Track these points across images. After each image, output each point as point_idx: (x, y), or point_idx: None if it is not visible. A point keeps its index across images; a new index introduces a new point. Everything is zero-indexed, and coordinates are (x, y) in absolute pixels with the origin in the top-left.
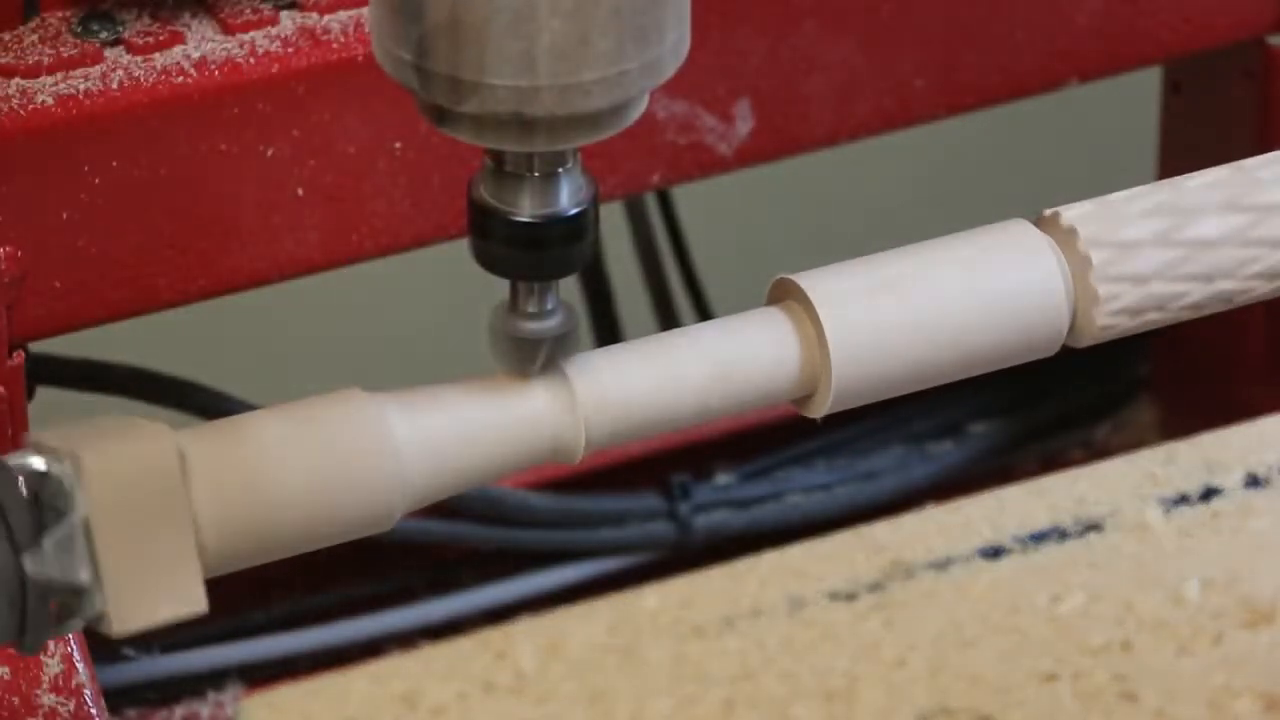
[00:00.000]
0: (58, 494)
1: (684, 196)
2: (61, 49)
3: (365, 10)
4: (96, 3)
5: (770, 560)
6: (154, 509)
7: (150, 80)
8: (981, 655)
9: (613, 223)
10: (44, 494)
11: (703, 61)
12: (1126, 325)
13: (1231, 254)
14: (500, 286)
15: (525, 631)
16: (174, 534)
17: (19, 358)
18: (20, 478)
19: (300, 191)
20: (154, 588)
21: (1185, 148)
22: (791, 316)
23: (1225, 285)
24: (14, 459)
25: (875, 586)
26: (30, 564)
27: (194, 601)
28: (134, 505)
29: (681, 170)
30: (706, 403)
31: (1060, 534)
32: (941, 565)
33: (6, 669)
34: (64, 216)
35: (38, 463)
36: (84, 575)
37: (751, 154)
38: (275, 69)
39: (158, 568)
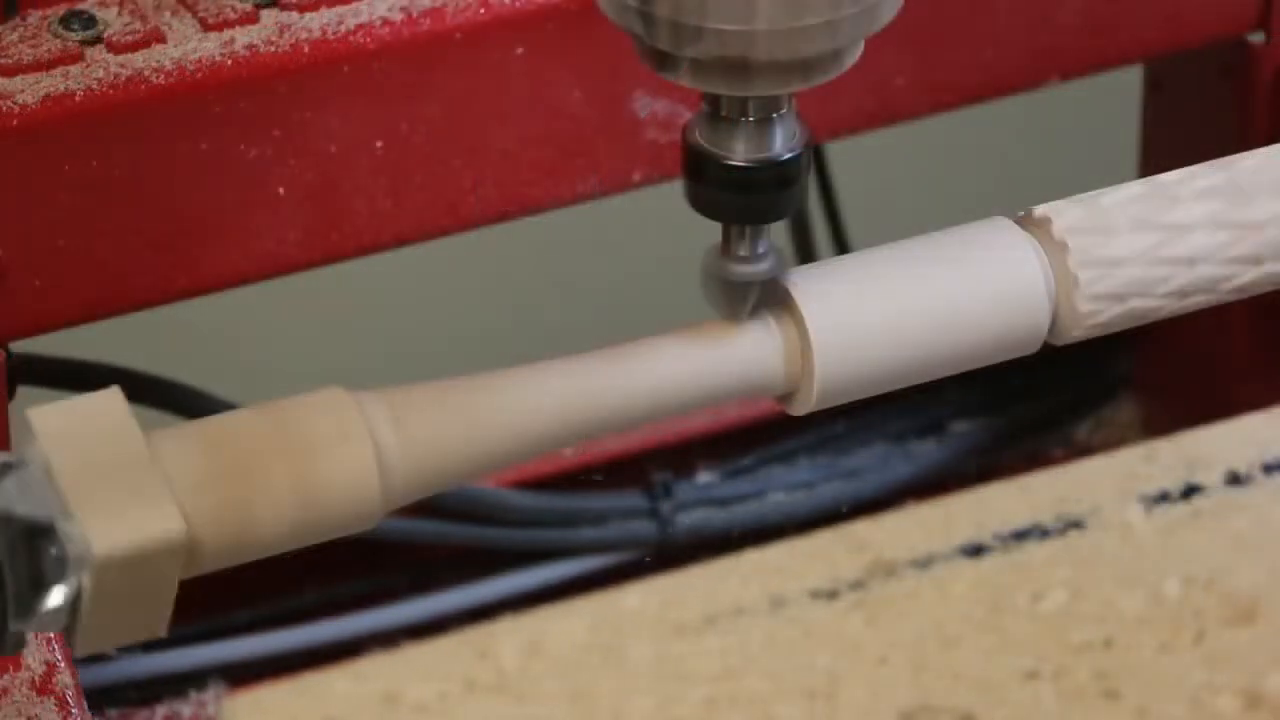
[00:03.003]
0: (58, 555)
1: (675, 195)
2: (41, 48)
3: (345, 10)
4: (76, 1)
5: (752, 559)
6: (148, 585)
7: (130, 79)
8: (963, 653)
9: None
10: (43, 544)
11: None
12: (1110, 316)
13: (1211, 237)
14: (486, 286)
15: (507, 630)
16: (160, 596)
17: (0, 357)
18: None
19: (281, 190)
20: (123, 626)
21: (1167, 146)
22: (775, 313)
23: (1207, 270)
24: (22, 500)
25: (857, 585)
26: (14, 623)
27: (156, 632)
28: (130, 585)
29: (663, 168)
30: (690, 399)
31: (1042, 532)
32: (923, 563)
33: None
34: (44, 216)
35: (46, 514)
36: (64, 628)
37: None
38: (256, 68)
39: (134, 617)
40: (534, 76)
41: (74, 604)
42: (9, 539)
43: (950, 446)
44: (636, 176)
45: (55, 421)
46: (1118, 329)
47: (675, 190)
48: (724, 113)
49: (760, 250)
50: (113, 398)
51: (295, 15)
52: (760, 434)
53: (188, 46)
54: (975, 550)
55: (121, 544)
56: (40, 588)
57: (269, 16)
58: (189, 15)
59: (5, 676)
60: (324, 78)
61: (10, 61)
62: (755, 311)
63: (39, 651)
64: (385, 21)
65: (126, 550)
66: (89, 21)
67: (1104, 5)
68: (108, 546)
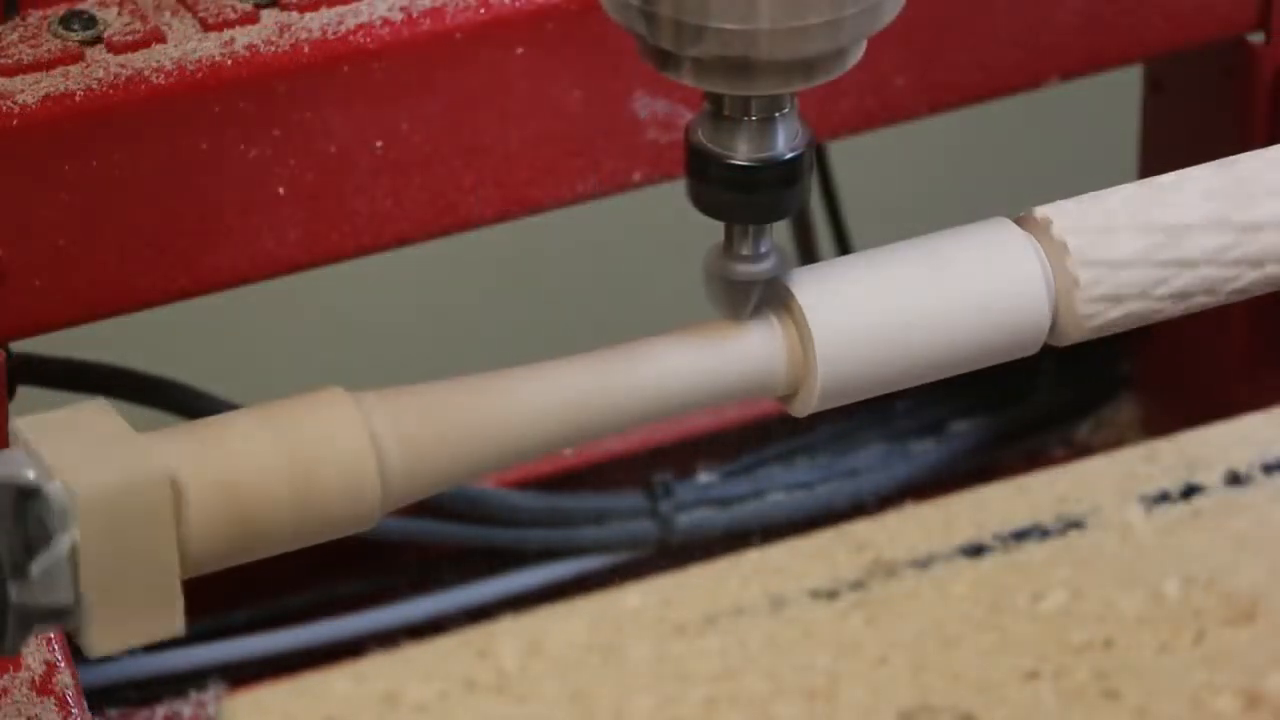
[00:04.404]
0: (46, 513)
1: (675, 195)
2: (41, 48)
3: (345, 10)
4: (76, 1)
5: (752, 559)
6: (142, 540)
7: (130, 79)
8: (963, 653)
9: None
10: (31, 509)
11: None
12: (1110, 317)
13: (1211, 239)
14: (486, 286)
15: (507, 630)
16: (159, 563)
17: (0, 357)
18: (6, 490)
19: (281, 190)
20: (134, 613)
21: (1167, 147)
22: (776, 314)
23: (1207, 272)
24: (3, 468)
25: (857, 585)
26: (15, 591)
27: (172, 626)
28: (123, 536)
29: (663, 168)
30: (691, 399)
31: (1042, 532)
32: (923, 563)
33: None
34: (44, 216)
35: (29, 475)
36: (67, 600)
37: None
38: (256, 68)
39: (140, 594)
40: (534, 76)
41: (73, 568)
42: None
43: (950, 446)
44: (636, 176)
45: (44, 424)
46: (1118, 330)
47: (675, 190)
48: (726, 112)
49: (763, 250)
50: (101, 407)
51: (295, 15)
52: (760, 434)
53: (188, 46)
54: (975, 550)
55: (103, 485)
56: (33, 550)
57: (269, 16)
58: (189, 15)
59: (5, 676)
60: (324, 78)
61: (10, 61)
62: (757, 311)
63: (39, 651)
64: (385, 21)
65: (110, 490)
66: (89, 21)
67: (1104, 5)
68: (90, 489)
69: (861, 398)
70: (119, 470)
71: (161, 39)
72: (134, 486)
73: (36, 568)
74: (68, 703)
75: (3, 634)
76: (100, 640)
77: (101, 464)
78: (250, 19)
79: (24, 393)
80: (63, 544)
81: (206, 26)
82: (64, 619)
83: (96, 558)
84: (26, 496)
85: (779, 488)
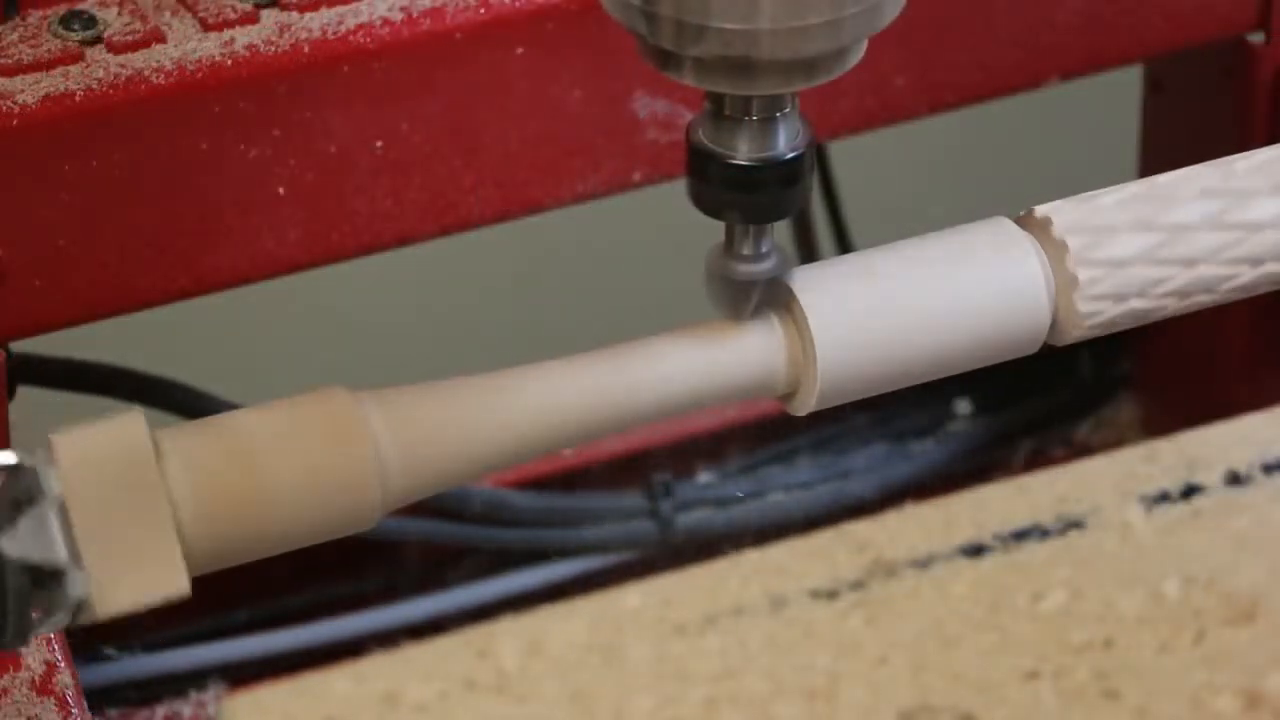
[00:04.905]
0: (31, 483)
1: (675, 195)
2: (41, 48)
3: (345, 10)
4: (76, 1)
5: (752, 558)
6: (129, 487)
7: (130, 79)
8: (963, 653)
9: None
10: (17, 485)
11: None
12: (1109, 316)
13: (1211, 237)
14: (486, 286)
15: (507, 630)
16: (151, 513)
17: (0, 357)
18: None
19: (281, 190)
20: (135, 569)
21: (1167, 147)
22: (777, 314)
23: (1207, 270)
24: None
25: (857, 585)
26: (6, 544)
27: (175, 583)
28: (108, 482)
29: (663, 168)
30: (692, 399)
31: (1042, 532)
32: (923, 563)
33: None
34: (45, 216)
35: (7, 457)
36: (61, 554)
37: None
38: (256, 68)
39: (137, 548)
40: (534, 76)
41: (63, 520)
42: None
43: (950, 446)
44: (636, 176)
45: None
46: (1118, 329)
47: (675, 190)
48: (727, 112)
49: (763, 249)
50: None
51: (295, 15)
52: (760, 434)
53: (188, 46)
54: (975, 550)
55: (80, 434)
56: (21, 508)
57: (269, 16)
58: (189, 15)
59: (5, 676)
60: (324, 78)
61: (10, 61)
62: (757, 311)
63: (39, 651)
64: (385, 21)
65: (87, 438)
66: (89, 21)
67: (1104, 5)
68: (67, 437)
69: (861, 397)
70: (94, 423)
71: (161, 39)
72: (111, 432)
73: (25, 521)
74: (68, 703)
75: (4, 611)
76: (104, 597)
77: (77, 425)
78: (250, 19)
79: (24, 393)
80: (50, 497)
81: (206, 26)
82: (65, 588)
83: (85, 506)
84: (11, 476)
85: (779, 488)
